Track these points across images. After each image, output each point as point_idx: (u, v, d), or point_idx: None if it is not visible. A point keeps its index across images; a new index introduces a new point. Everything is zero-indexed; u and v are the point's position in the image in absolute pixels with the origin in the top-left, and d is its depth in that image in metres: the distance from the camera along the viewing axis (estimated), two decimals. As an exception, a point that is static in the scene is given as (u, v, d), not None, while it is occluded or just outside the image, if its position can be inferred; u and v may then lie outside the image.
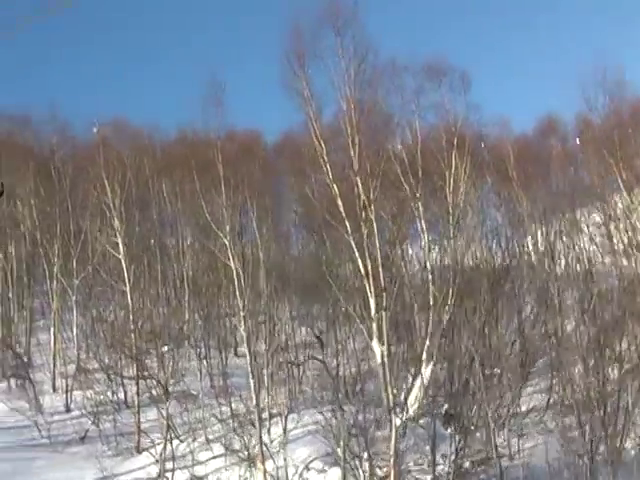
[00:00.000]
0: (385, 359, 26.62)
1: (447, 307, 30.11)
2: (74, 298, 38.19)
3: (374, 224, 26.92)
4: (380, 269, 26.82)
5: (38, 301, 44.97)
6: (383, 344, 26.66)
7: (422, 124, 32.43)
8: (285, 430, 28.45)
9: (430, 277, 30.70)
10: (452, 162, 32.23)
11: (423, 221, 31.77)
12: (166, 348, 35.47)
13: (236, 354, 38.58)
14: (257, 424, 28.47)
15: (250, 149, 41.25)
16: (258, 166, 36.84)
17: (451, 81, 33.10)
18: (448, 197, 32.16)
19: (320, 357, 34.06)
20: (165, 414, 29.63)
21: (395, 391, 27.36)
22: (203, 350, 36.37)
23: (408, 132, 32.89)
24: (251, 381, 29.99)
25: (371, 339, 27.30)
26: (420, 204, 31.33)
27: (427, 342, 29.66)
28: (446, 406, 31.23)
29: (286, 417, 29.12)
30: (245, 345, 30.48)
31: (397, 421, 26.40)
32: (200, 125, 34.79)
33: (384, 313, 26.72)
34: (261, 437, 28.05)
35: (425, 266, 31.91)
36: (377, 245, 26.80)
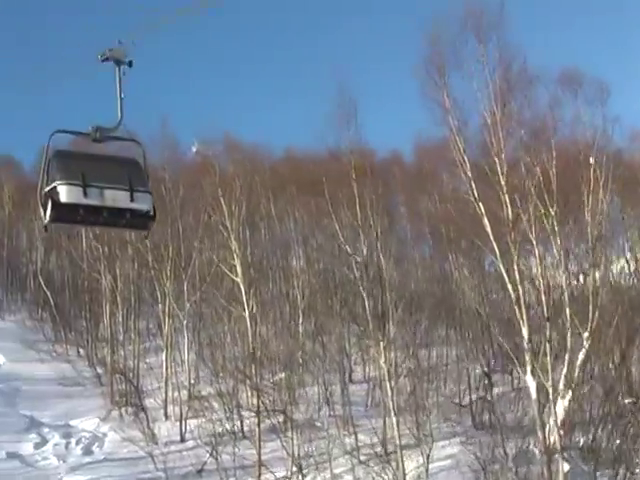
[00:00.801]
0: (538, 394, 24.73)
1: (587, 334, 28.24)
2: (185, 322, 37.30)
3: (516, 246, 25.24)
4: (543, 297, 24.98)
5: (144, 323, 44.79)
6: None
7: (557, 138, 30.64)
8: (426, 463, 26.96)
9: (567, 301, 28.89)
10: (590, 179, 30.32)
11: (559, 240, 29.90)
12: (283, 374, 34.57)
13: (351, 380, 37.43)
14: (388, 457, 27.14)
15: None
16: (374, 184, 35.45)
17: (588, 92, 31.23)
18: (586, 216, 30.25)
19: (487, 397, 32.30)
20: (288, 445, 28.64)
21: (561, 432, 25.33)
22: (320, 376, 35.29)
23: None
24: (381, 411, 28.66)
25: (524, 372, 25.56)
26: (555, 223, 29.55)
27: (564, 371, 27.86)
28: (584, 439, 29.47)
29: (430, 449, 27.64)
30: (386, 376, 29.06)
31: (565, 466, 24.51)
32: (330, 142, 33.31)
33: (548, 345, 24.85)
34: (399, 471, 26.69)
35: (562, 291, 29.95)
36: (539, 270, 25.07)
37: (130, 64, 11.38)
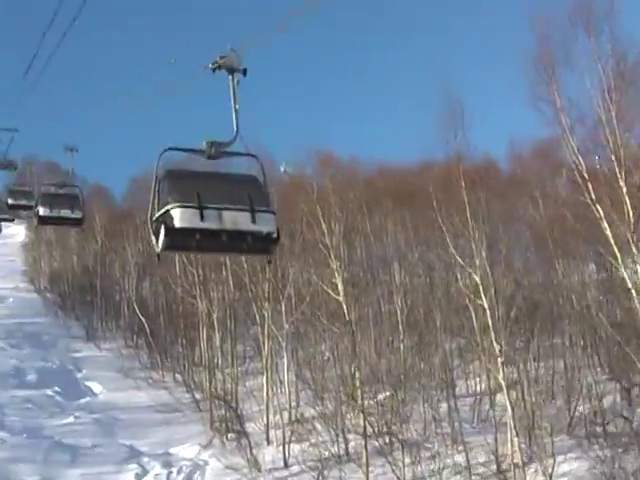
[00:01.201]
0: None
1: None
2: (284, 343, 36.24)
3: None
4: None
5: (241, 346, 44.00)
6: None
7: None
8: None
9: None
10: None
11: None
12: (387, 393, 33.31)
13: (454, 395, 35.82)
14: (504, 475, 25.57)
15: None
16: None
17: None
18: None
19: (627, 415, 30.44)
20: (397, 467, 27.31)
21: None
22: (423, 393, 33.86)
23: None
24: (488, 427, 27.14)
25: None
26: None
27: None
28: None
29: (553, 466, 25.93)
30: (504, 390, 27.54)
31: None
32: (434, 148, 32.02)
33: None
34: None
35: None
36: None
37: (244, 72, 10.55)
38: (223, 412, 36.60)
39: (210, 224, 9.69)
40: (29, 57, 17.17)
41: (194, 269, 40.57)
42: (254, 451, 31.94)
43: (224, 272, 41.37)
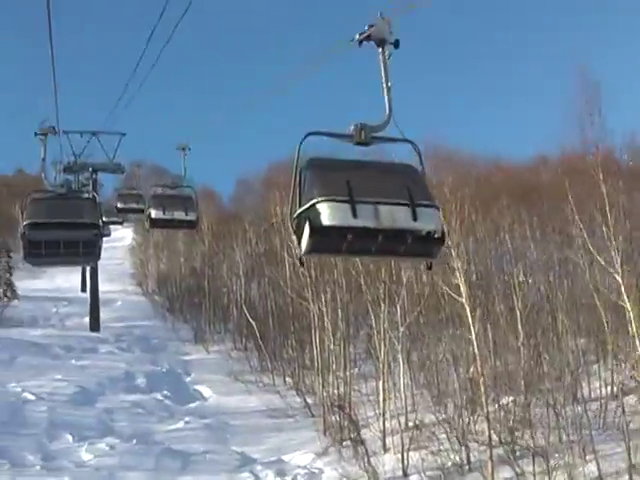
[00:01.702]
0: None
1: None
2: (399, 346, 34.74)
3: None
4: None
5: (353, 349, 42.60)
6: None
7: None
8: None
9: None
10: None
11: None
12: (511, 398, 31.56)
13: (580, 400, 33.80)
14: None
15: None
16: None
17: None
18: None
19: None
20: (524, 477, 25.58)
21: None
22: (548, 397, 31.90)
23: None
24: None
25: None
26: None
27: None
28: None
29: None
30: None
31: None
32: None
33: None
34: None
35: None
36: None
37: (396, 44, 9.13)
38: (337, 418, 35.34)
39: (365, 221, 8.23)
40: (136, 58, 16.74)
41: (305, 270, 39.39)
42: (371, 459, 30.48)
43: (336, 273, 40.12)
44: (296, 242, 8.68)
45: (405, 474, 30.20)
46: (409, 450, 30.60)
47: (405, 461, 30.40)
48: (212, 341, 55.63)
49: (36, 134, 15.98)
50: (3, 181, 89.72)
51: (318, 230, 8.22)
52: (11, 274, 68.62)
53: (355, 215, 8.13)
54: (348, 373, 38.27)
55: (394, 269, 35.46)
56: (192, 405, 42.08)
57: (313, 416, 38.33)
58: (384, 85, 9.04)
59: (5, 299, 64.77)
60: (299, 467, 32.56)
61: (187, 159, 21.88)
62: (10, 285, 67.28)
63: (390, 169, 9.15)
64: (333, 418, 35.71)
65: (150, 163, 77.64)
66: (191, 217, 20.74)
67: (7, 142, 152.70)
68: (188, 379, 47.41)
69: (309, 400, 39.69)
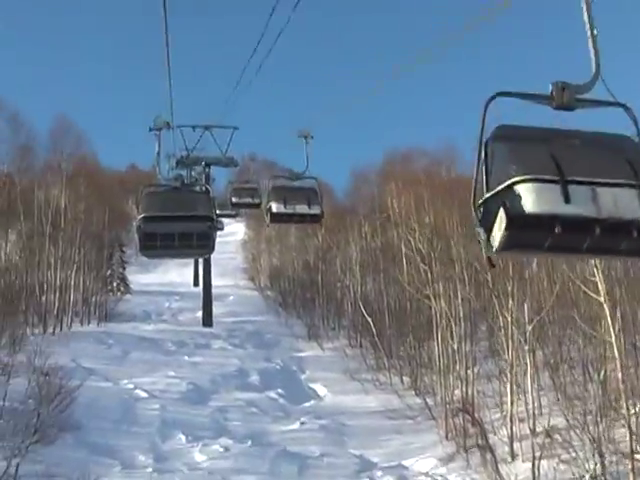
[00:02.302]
0: None
1: None
2: (526, 347, 32.55)
3: None
4: None
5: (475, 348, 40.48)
6: None
7: None
8: None
9: None
10: None
11: None
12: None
13: None
14: None
15: None
16: None
17: None
18: None
19: None
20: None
21: None
22: None
23: None
24: None
25: None
26: None
27: None
28: None
29: None
30: None
31: None
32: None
33: None
34: None
35: None
36: None
37: None
38: (461, 421, 33.48)
39: (581, 208, 6.15)
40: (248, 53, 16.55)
41: (426, 266, 37.59)
42: (500, 467, 28.48)
43: (457, 267, 38.17)
44: (482, 236, 6.53)
45: (535, 484, 28.05)
46: (540, 458, 28.38)
47: (536, 470, 28.20)
48: (326, 337, 54.22)
49: (150, 129, 16.12)
50: (116, 177, 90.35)
51: (518, 219, 6.15)
52: (124, 269, 68.84)
53: (568, 200, 6.13)
54: (470, 373, 36.26)
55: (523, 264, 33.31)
56: (307, 404, 40.77)
57: (434, 418, 36.55)
58: (588, 33, 7.05)
59: (119, 293, 64.79)
60: (421, 474, 30.84)
61: (310, 147, 20.40)
62: (123, 279, 67.45)
63: (603, 141, 6.98)
64: (456, 421, 33.88)
65: (261, 157, 77.02)
66: (315, 210, 18.91)
67: (120, 139, 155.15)
68: (303, 377, 46.10)
69: (429, 401, 37.81)
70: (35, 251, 52.72)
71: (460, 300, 37.98)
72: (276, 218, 19.35)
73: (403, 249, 44.73)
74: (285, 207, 18.94)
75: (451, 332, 37.47)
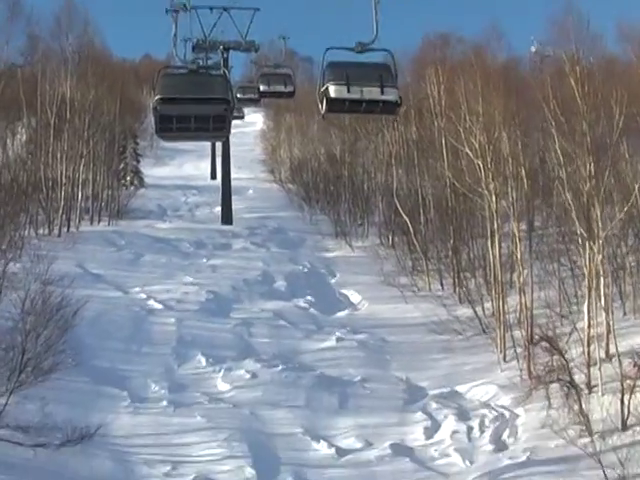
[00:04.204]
0: None
1: None
2: (599, 256, 26.22)
3: None
4: None
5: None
6: None
7: None
8: None
9: None
10: None
11: None
12: None
13: None
14: None
15: None
16: None
17: None
18: None
19: None
20: None
21: None
22: None
23: None
24: None
25: None
26: None
27: None
28: None
29: None
30: None
31: None
32: None
33: None
34: None
35: None
36: None
37: None
38: (523, 340, 27.70)
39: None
40: None
41: (479, 159, 31.28)
42: (584, 406, 22.61)
43: (510, 164, 31.85)
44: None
45: (625, 425, 22.18)
46: (631, 393, 22.49)
47: (625, 409, 22.36)
48: (355, 235, 48.16)
49: (167, 10, 17.69)
50: (130, 67, 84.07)
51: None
52: (138, 162, 62.91)
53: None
54: (522, 279, 30.14)
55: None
56: (341, 314, 35.28)
57: (485, 332, 30.93)
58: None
59: (132, 188, 58.84)
60: (480, 404, 25.30)
61: (379, 9, 15.20)
62: (137, 173, 61.57)
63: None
64: (516, 336, 28.20)
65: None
66: (390, 96, 15.13)
67: (134, 27, 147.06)
68: (332, 281, 40.42)
69: (479, 312, 32.15)
70: (40, 145, 46.69)
71: (514, 199, 31.64)
72: (336, 106, 15.50)
73: (443, 141, 38.38)
74: (349, 91, 15.12)
75: (502, 234, 31.61)
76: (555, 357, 23.92)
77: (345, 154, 54.86)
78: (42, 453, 19.51)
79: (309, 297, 36.56)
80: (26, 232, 38.96)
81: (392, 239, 45.10)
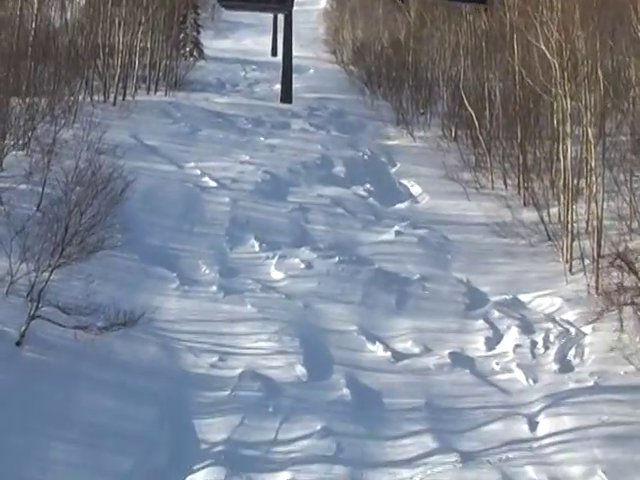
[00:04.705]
0: None
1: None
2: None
3: None
4: None
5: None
6: None
7: None
8: None
9: None
10: None
11: None
12: None
13: None
14: None
15: None
16: None
17: None
18: None
19: None
20: None
21: None
22: None
23: None
24: None
25: None
26: None
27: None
28: None
29: None
30: None
31: None
32: None
33: None
34: None
35: None
36: None
37: None
38: (586, 246, 25.81)
39: None
40: None
41: (555, 58, 28.60)
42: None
43: (586, 67, 29.08)
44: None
45: None
46: None
47: None
48: (417, 124, 45.75)
49: None
50: None
51: None
52: (199, 32, 60.39)
53: None
54: (595, 187, 27.90)
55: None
56: (401, 206, 33.37)
57: (550, 240, 28.85)
58: None
59: (191, 59, 56.57)
60: (545, 317, 23.48)
61: None
62: (197, 44, 59.14)
63: None
64: (584, 245, 26.21)
65: None
66: None
67: None
68: (393, 170, 38.35)
69: (544, 216, 29.97)
70: (99, 10, 44.59)
71: (590, 102, 29.01)
72: None
73: (515, 36, 35.52)
74: None
75: (574, 136, 29.15)
76: (627, 275, 21.94)
77: (410, 40, 51.99)
78: (83, 336, 18.20)
79: (368, 185, 34.66)
80: (81, 97, 37.37)
81: (455, 132, 42.73)
